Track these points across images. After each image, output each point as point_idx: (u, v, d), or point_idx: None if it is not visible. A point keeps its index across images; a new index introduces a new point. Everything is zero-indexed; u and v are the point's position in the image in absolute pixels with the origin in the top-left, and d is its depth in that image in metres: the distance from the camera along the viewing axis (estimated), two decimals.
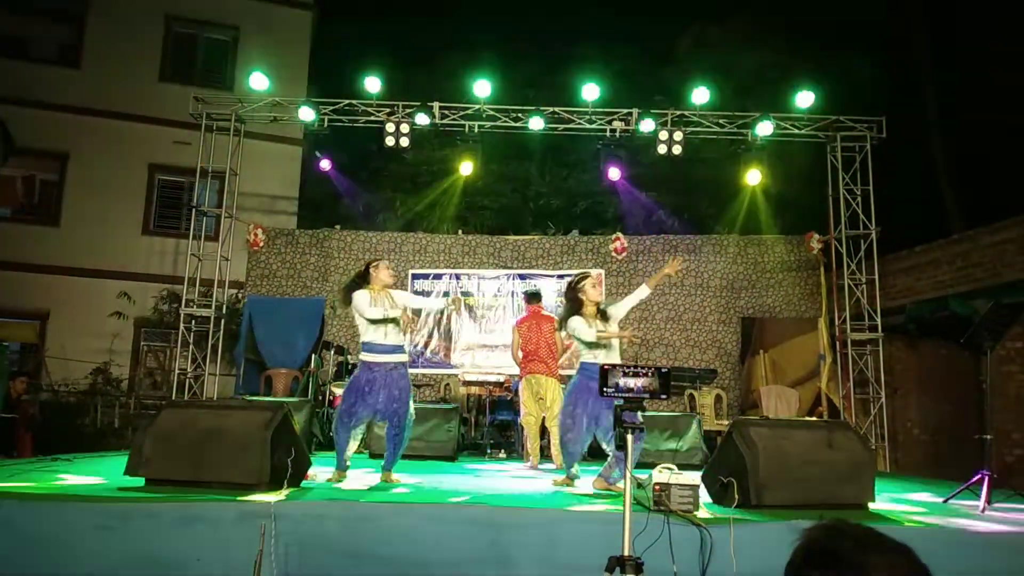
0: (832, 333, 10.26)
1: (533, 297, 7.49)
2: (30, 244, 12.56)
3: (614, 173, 11.83)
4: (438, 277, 11.09)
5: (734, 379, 10.80)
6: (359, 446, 5.48)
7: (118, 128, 13.13)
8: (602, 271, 11.03)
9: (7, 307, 12.23)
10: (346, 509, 3.74)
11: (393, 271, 5.50)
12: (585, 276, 5.26)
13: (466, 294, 11.10)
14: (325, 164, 11.73)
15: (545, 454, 7.23)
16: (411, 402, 5.22)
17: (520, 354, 7.05)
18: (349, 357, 9.86)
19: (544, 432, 7.15)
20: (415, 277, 11.23)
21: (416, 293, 10.58)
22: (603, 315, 5.13)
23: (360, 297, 5.08)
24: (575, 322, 5.04)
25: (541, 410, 6.89)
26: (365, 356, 5.12)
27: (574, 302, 5.13)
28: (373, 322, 5.07)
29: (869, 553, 1.13)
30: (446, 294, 10.96)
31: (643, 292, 5.18)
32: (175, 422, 4.32)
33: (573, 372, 5.27)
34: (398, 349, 5.18)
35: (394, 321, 5.09)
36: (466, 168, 11.99)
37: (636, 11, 18.57)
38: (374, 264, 5.30)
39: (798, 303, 10.85)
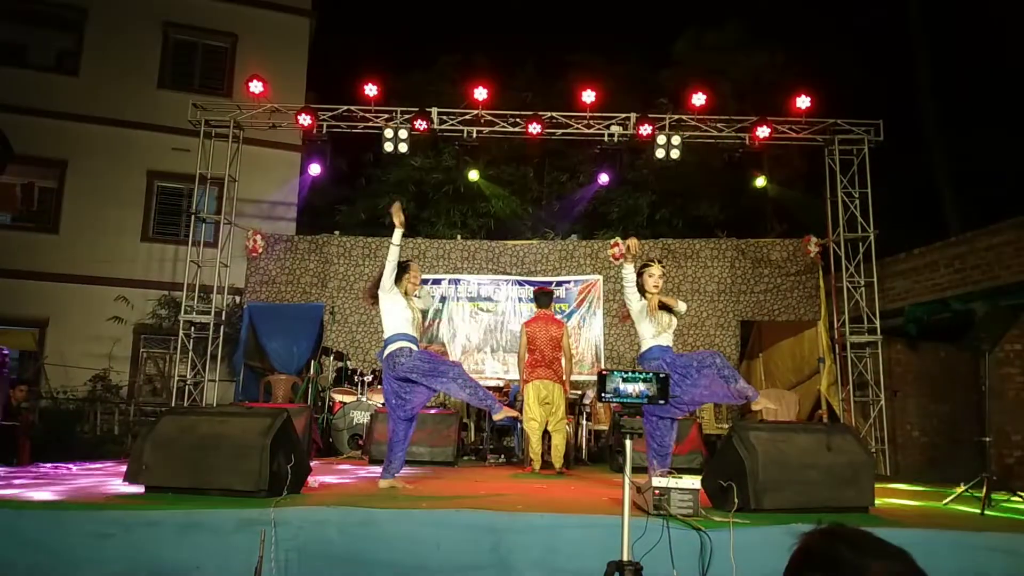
0: (831, 336, 10.26)
1: (543, 299, 7.28)
2: (29, 251, 12.59)
3: (612, 178, 11.84)
4: (437, 282, 11.06)
5: None
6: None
7: (117, 135, 13.18)
8: (600, 277, 11.01)
9: (6, 314, 12.22)
10: (346, 515, 3.73)
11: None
12: (647, 264, 5.15)
13: (464, 299, 11.08)
14: (317, 169, 11.72)
15: (545, 459, 7.21)
16: None
17: (527, 356, 6.96)
18: (348, 363, 9.85)
19: (545, 436, 7.12)
20: None
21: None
22: (667, 309, 5.11)
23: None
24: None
25: (546, 415, 6.87)
26: (413, 345, 5.04)
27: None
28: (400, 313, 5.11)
29: (867, 558, 1.13)
30: (443, 299, 10.97)
31: (683, 306, 5.23)
32: (175, 429, 4.32)
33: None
34: None
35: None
36: (465, 173, 12.00)
37: (633, 15, 18.64)
38: (408, 266, 5.31)
39: (796, 306, 10.85)
